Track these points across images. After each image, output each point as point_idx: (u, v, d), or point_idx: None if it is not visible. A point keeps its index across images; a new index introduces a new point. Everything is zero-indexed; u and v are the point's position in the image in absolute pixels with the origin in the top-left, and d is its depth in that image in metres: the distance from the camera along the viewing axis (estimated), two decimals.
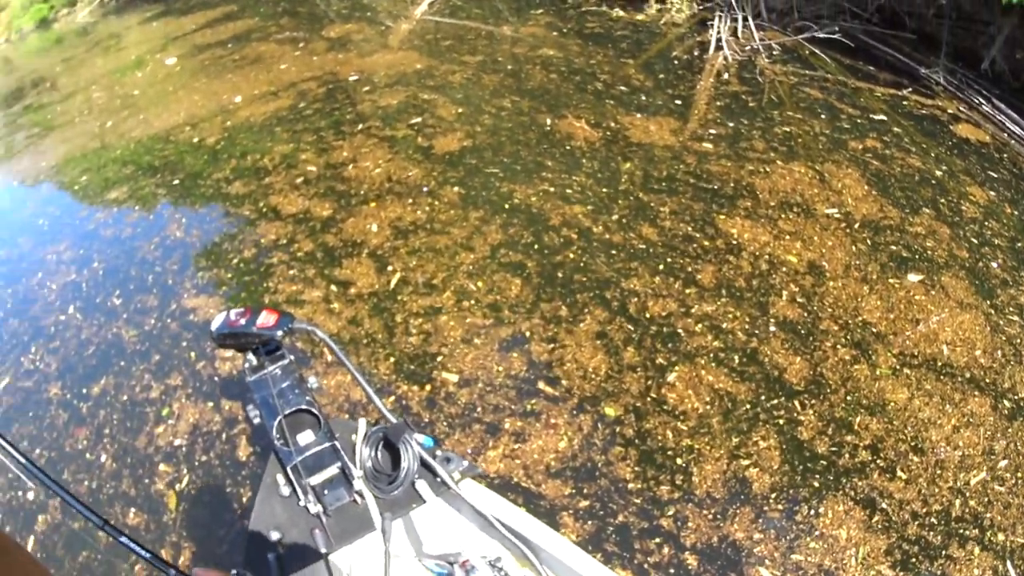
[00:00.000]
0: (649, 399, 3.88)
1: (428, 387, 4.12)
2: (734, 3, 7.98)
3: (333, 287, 4.92)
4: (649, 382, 3.97)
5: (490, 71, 7.66)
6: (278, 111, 7.67)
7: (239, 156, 6.86)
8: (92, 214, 6.79)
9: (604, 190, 5.38)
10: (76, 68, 12.96)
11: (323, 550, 1.66)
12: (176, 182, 6.77)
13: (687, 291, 4.50)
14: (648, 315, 4.36)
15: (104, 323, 5.25)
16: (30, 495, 4.12)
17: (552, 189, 5.46)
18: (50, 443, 4.45)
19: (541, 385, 4.00)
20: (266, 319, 1.98)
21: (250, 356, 2.07)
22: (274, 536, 1.71)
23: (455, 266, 4.89)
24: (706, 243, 4.86)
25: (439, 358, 4.25)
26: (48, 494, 4.09)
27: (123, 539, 1.40)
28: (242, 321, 1.99)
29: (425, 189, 5.69)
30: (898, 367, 4.12)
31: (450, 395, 4.03)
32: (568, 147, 5.94)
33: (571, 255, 4.85)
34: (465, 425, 3.83)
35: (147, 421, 4.38)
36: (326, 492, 1.81)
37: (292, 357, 2.09)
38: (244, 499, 3.74)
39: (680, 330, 4.27)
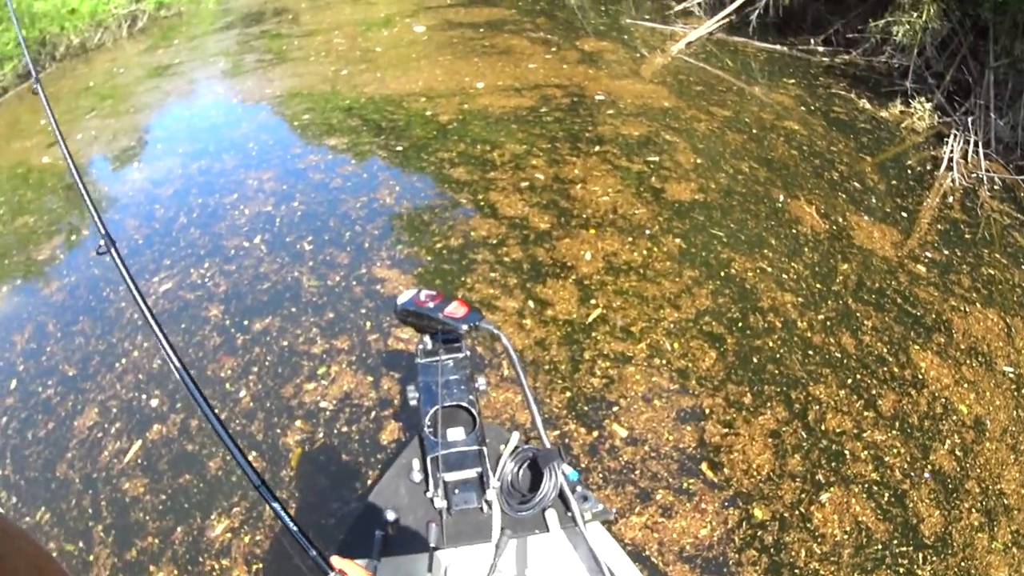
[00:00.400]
0: (797, 512, 3.76)
1: (595, 433, 4.07)
2: (969, 124, 7.74)
3: (531, 303, 4.96)
4: (803, 495, 3.84)
5: (734, 129, 7.63)
6: (518, 109, 7.90)
7: (469, 142, 7.09)
8: (305, 154, 7.19)
9: (817, 285, 5.26)
10: (322, 9, 13.89)
11: (432, 544, 1.72)
12: (399, 148, 7.07)
13: (865, 413, 4.35)
14: (823, 427, 4.24)
15: (287, 264, 5.49)
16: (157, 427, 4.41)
17: (769, 269, 5.37)
18: (193, 361, 4.68)
19: (704, 467, 3.91)
20: (455, 309, 2.04)
21: (426, 339, 2.15)
22: (390, 515, 1.77)
23: (657, 320, 4.84)
24: (895, 370, 4.68)
25: (615, 408, 4.20)
26: (191, 430, 4.35)
27: (275, 504, 1.46)
28: (431, 304, 2.05)
29: (648, 232, 5.68)
30: (1010, 544, 3.87)
31: (614, 448, 3.97)
32: (794, 230, 5.83)
33: (771, 343, 4.73)
34: (619, 483, 3.78)
35: (300, 374, 4.53)
36: (456, 491, 1.86)
37: (469, 353, 2.14)
38: (368, 481, 3.84)
39: (847, 452, 4.11)
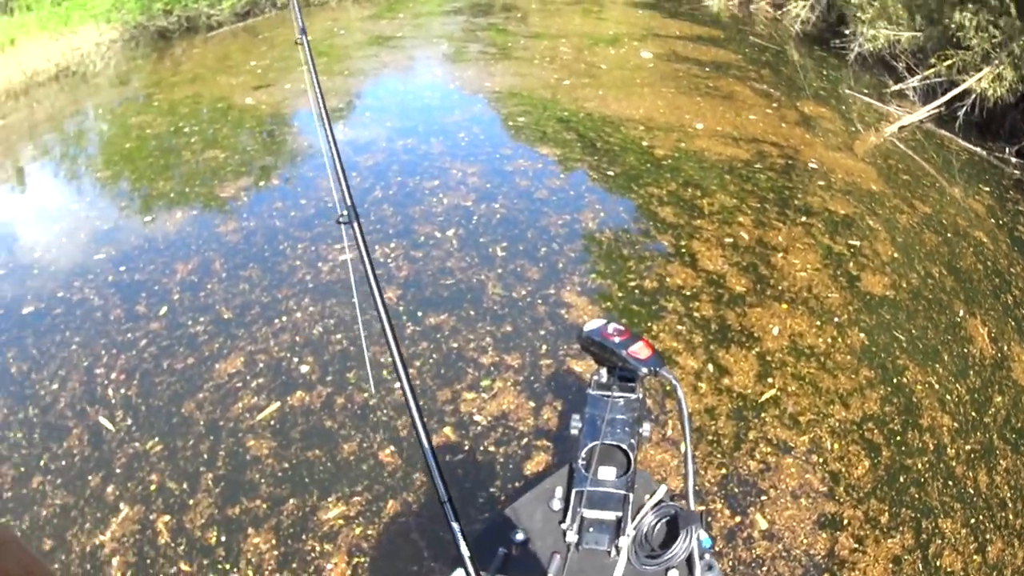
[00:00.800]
0: None
1: (738, 519, 3.73)
2: None
3: (710, 366, 4.53)
4: None
5: (931, 228, 6.99)
6: (733, 159, 7.41)
7: (680, 183, 6.65)
8: (514, 156, 6.92)
9: (972, 413, 4.71)
10: (551, 14, 13.77)
11: (550, 575, 1.71)
12: (611, 173, 6.70)
13: (975, 557, 3.89)
14: (939, 564, 3.79)
15: (475, 265, 5.20)
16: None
17: (937, 386, 4.84)
18: (355, 339, 4.52)
19: None
20: (640, 349, 1.96)
21: (603, 371, 2.09)
22: (518, 536, 1.80)
23: (825, 415, 4.40)
24: (1011, 517, 4.19)
25: (763, 497, 3.82)
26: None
27: (455, 524, 1.51)
28: (617, 339, 1.98)
29: (836, 319, 5.19)
30: None
31: (751, 539, 3.63)
32: (965, 349, 5.25)
33: (920, 465, 4.25)
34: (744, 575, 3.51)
35: (462, 380, 4.25)
36: (590, 529, 1.83)
37: (642, 395, 2.06)
38: (497, 507, 3.66)
39: None
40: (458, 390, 4.17)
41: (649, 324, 4.80)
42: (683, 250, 5.61)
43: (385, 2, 15.48)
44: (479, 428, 3.95)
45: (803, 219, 6.41)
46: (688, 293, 5.12)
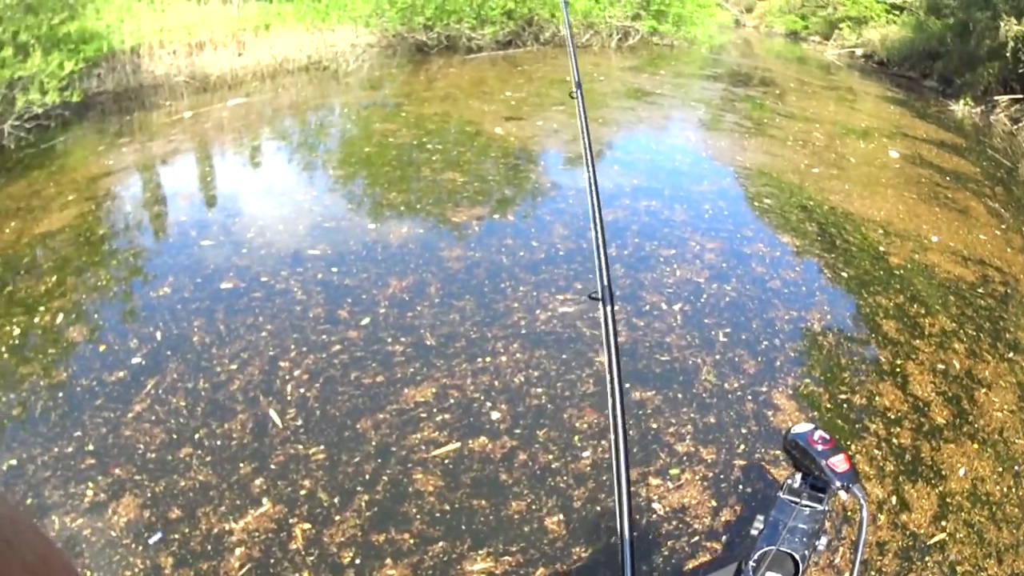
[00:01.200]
0: None
1: None
2: None
3: (894, 499, 4.21)
4: None
5: None
6: (960, 279, 6.77)
7: (908, 297, 6.21)
8: (754, 239, 6.78)
9: None
10: (808, 96, 13.39)
11: None
12: (844, 274, 6.40)
13: None
14: None
15: (694, 346, 5.09)
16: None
17: None
18: (555, 396, 4.41)
19: None
20: (839, 462, 1.88)
21: (797, 477, 2.00)
22: None
23: (980, 568, 3.98)
24: None
25: None
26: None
27: None
28: (819, 447, 1.91)
29: (1016, 468, 4.71)
30: None
31: None
32: None
33: None
34: None
35: (651, 463, 4.07)
36: None
37: (829, 508, 1.95)
38: None
39: None
40: (644, 472, 4.03)
41: (848, 442, 4.52)
42: (897, 370, 5.27)
43: (648, 56, 15.53)
44: (653, 517, 3.78)
45: (1010, 355, 5.92)
46: (892, 416, 4.80)
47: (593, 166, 2.56)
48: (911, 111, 13.54)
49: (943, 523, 4.23)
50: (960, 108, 13.99)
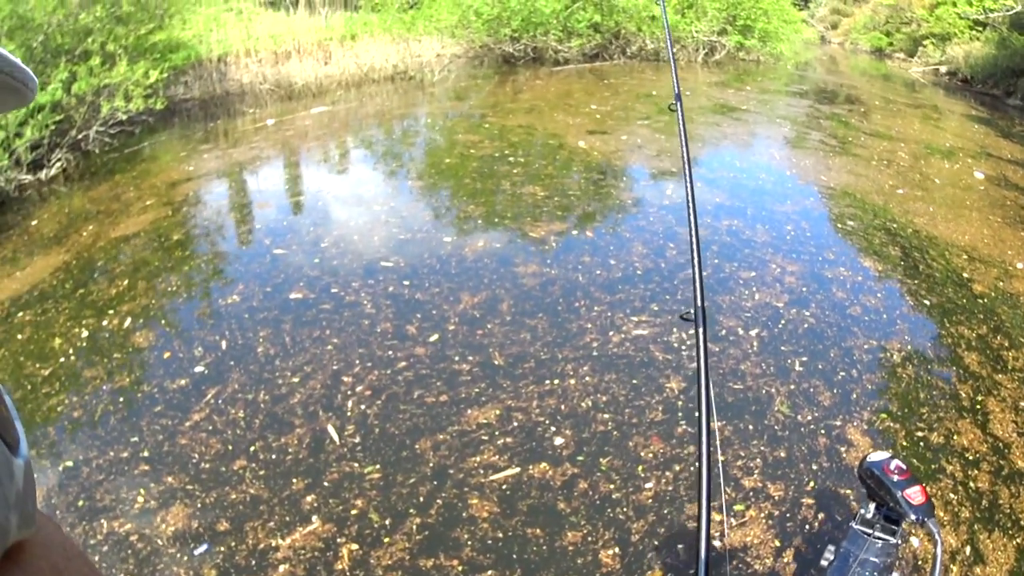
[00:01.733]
0: None
1: None
2: None
3: (968, 549, 3.76)
4: None
5: None
6: None
7: (991, 327, 5.67)
8: (836, 262, 6.39)
9: None
10: (893, 114, 12.77)
11: None
12: (927, 302, 5.96)
13: None
14: None
15: (769, 375, 4.78)
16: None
17: None
18: (621, 423, 4.16)
19: None
20: (915, 494, 1.82)
21: (871, 507, 1.94)
22: None
23: None
24: None
25: None
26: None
27: None
28: (895, 477, 1.85)
29: None
30: None
31: None
32: None
33: None
34: None
35: (716, 497, 3.80)
36: None
37: (901, 543, 1.92)
38: None
39: None
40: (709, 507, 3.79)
41: (926, 483, 4.22)
42: (978, 407, 4.87)
43: (734, 71, 15.06)
44: (712, 554, 3.57)
45: None
46: (971, 457, 4.41)
47: (691, 181, 2.45)
48: (995, 130, 12.80)
49: None
50: None
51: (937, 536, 1.81)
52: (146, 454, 3.82)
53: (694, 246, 2.17)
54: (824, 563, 1.90)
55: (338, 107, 11.58)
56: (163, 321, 5.09)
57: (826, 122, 11.38)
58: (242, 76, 12.12)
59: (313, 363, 4.46)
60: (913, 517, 1.80)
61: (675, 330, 5.14)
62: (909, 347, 5.32)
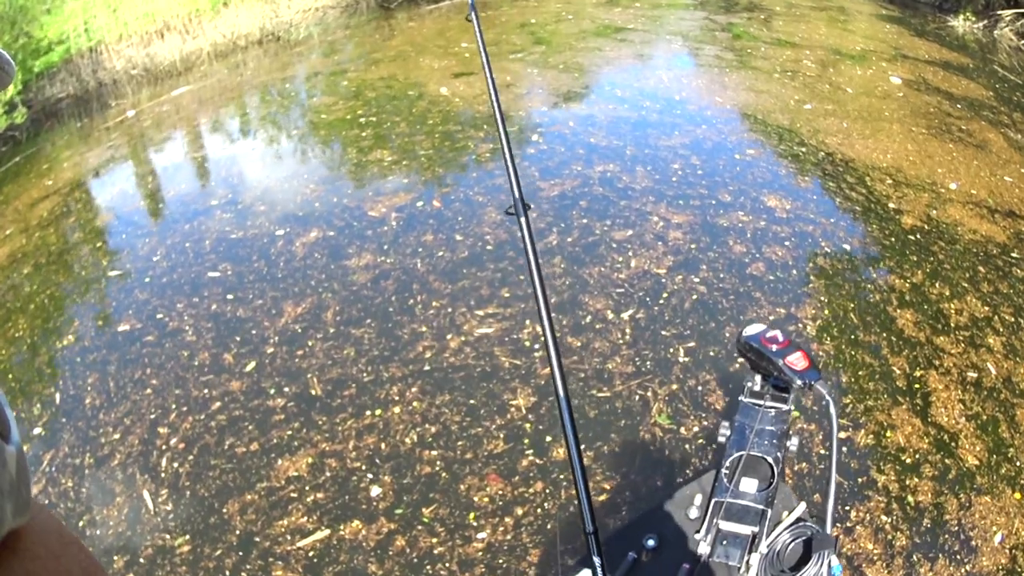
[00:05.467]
0: None
1: None
2: None
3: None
4: None
5: None
6: (988, 240, 5.16)
7: (927, 273, 4.67)
8: (732, 205, 5.28)
9: None
10: (796, 19, 11.80)
11: None
12: (847, 247, 4.92)
13: None
14: None
15: (644, 372, 3.73)
16: None
17: None
18: (450, 462, 3.35)
19: None
20: (797, 360, 1.76)
21: (757, 379, 1.91)
22: (649, 543, 1.72)
23: None
24: None
25: None
26: None
27: (596, 559, 1.53)
28: (774, 347, 1.79)
29: None
30: None
31: None
32: None
33: None
34: None
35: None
36: (724, 543, 1.71)
37: (793, 408, 1.85)
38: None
39: None
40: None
41: (847, 508, 3.21)
42: (916, 386, 3.85)
43: None
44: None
45: None
46: (908, 460, 3.44)
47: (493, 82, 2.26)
48: (909, 29, 11.89)
49: None
50: (960, 23, 12.38)
51: (828, 397, 1.78)
52: None
53: (504, 139, 2.05)
54: (722, 439, 1.87)
55: (198, 85, 10.39)
56: (10, 376, 4.48)
57: (722, 34, 10.25)
58: (115, 64, 11.10)
59: (132, 413, 3.92)
60: (799, 383, 1.75)
61: (527, 323, 4.04)
62: (827, 311, 4.30)
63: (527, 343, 3.96)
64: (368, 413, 3.65)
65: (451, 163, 6.23)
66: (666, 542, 1.73)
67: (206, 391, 4.00)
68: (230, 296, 4.74)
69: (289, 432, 3.60)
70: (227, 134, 8.21)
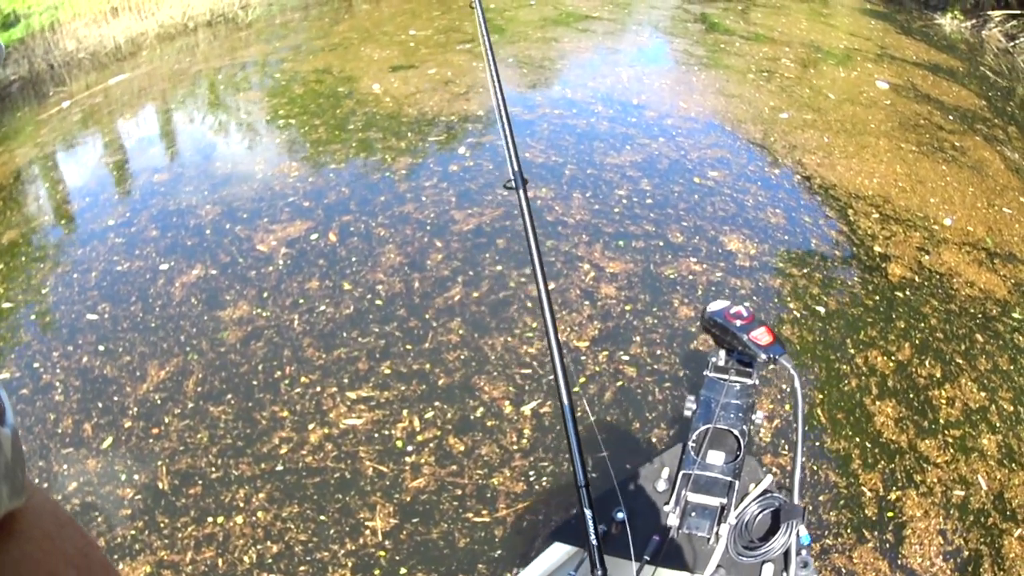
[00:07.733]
0: None
1: None
2: None
3: None
4: None
5: None
6: (987, 297, 4.30)
7: (916, 346, 3.84)
8: (685, 248, 4.38)
9: None
10: (776, 11, 11.01)
11: (646, 558, 1.66)
12: (820, 309, 4.02)
13: None
14: None
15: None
16: None
17: None
18: None
19: None
20: (761, 335, 1.76)
21: (721, 354, 1.91)
22: (619, 515, 1.72)
23: None
24: None
25: None
26: None
27: (587, 511, 1.54)
28: (738, 322, 1.80)
29: None
30: None
31: None
32: None
33: None
34: None
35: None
36: (692, 515, 1.74)
37: (758, 382, 1.85)
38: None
39: None
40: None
41: None
42: (889, 514, 3.04)
43: None
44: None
45: None
46: None
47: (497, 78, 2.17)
48: (895, 26, 11.09)
49: None
50: (948, 22, 11.69)
51: (792, 371, 1.73)
52: None
53: (502, 113, 2.06)
54: (688, 413, 1.84)
55: (137, 72, 9.49)
56: None
57: (695, 26, 9.33)
58: (67, 44, 10.23)
59: None
60: (764, 357, 1.75)
61: (404, 414, 3.15)
62: (788, 407, 3.39)
63: (399, 443, 3.09)
64: (210, 520, 3.05)
65: (360, 182, 5.26)
66: (635, 514, 1.73)
67: (65, 467, 3.43)
68: (101, 348, 4.07)
69: (133, 532, 3.04)
70: (142, 138, 7.23)
